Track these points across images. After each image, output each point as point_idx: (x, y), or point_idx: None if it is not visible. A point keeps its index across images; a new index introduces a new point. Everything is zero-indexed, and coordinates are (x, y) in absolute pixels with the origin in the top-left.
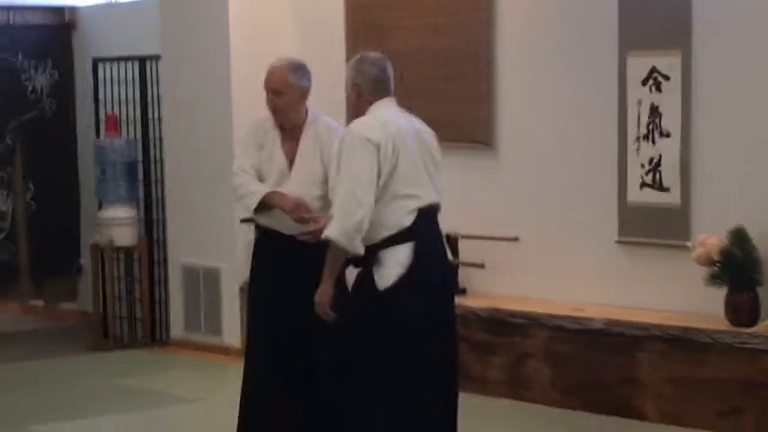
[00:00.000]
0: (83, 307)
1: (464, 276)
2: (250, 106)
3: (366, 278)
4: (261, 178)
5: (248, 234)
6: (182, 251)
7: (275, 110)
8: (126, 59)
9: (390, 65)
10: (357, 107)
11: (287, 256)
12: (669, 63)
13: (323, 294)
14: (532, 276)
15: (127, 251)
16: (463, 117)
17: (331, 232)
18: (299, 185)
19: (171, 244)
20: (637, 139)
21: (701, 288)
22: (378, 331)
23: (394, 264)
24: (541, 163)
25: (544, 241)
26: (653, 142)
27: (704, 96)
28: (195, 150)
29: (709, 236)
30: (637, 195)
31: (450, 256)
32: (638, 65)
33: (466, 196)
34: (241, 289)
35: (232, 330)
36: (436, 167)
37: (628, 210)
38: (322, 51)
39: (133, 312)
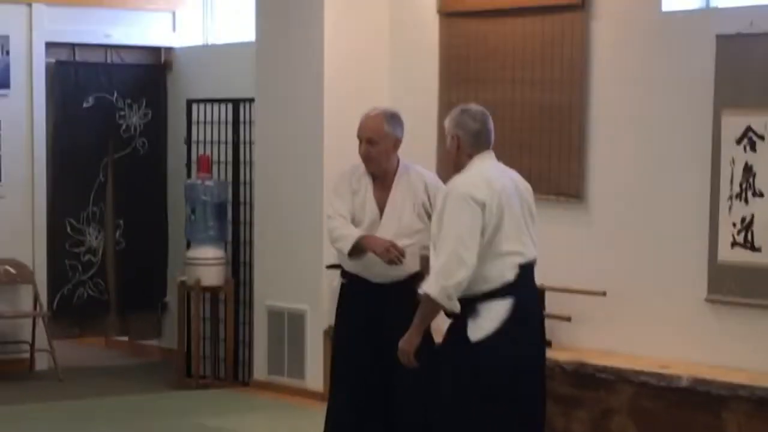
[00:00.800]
0: (167, 344)
1: (550, 328)
2: (341, 152)
3: (459, 328)
4: (354, 224)
5: (334, 279)
6: (268, 293)
7: (368, 159)
8: (220, 101)
9: (490, 119)
10: (456, 159)
11: (373, 303)
12: (765, 122)
13: (409, 342)
14: (618, 331)
15: (213, 291)
16: (555, 170)
17: (430, 288)
18: (390, 234)
19: (257, 286)
20: (730, 197)
21: None
22: (467, 382)
23: (492, 317)
24: (631, 218)
25: (632, 296)
26: (746, 201)
27: None
28: (284, 193)
29: None
30: (727, 254)
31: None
32: (733, 124)
33: (554, 249)
34: (326, 333)
35: (315, 373)
36: (533, 221)
37: (719, 269)
38: (415, 100)
39: (216, 352)
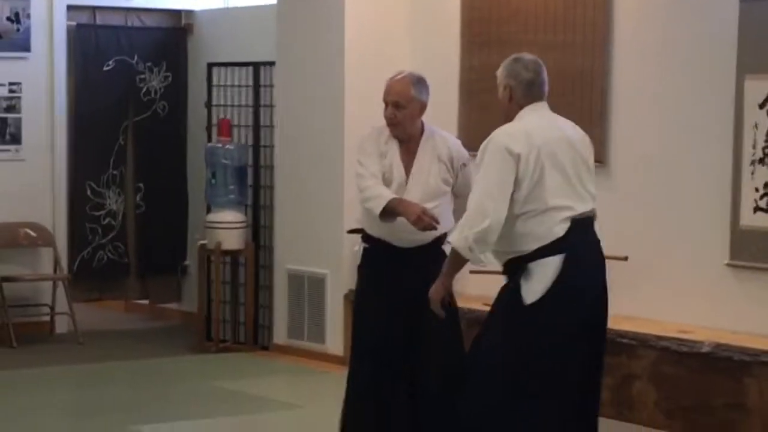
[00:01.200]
0: (187, 308)
1: None
2: (362, 116)
3: (513, 290)
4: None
5: (355, 244)
6: (288, 257)
7: (394, 123)
8: (240, 65)
9: (544, 69)
10: (507, 111)
11: (397, 268)
12: None
13: (436, 291)
14: (640, 296)
15: (234, 255)
16: None
17: (452, 237)
18: (417, 198)
19: (277, 250)
20: (752, 162)
21: None
22: (524, 347)
23: (543, 277)
24: (653, 184)
25: (654, 261)
26: None
27: None
28: (305, 157)
29: None
30: (750, 219)
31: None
32: (756, 88)
33: None
34: (346, 297)
35: (336, 337)
36: (590, 174)
37: (741, 233)
38: (436, 62)
39: (236, 316)
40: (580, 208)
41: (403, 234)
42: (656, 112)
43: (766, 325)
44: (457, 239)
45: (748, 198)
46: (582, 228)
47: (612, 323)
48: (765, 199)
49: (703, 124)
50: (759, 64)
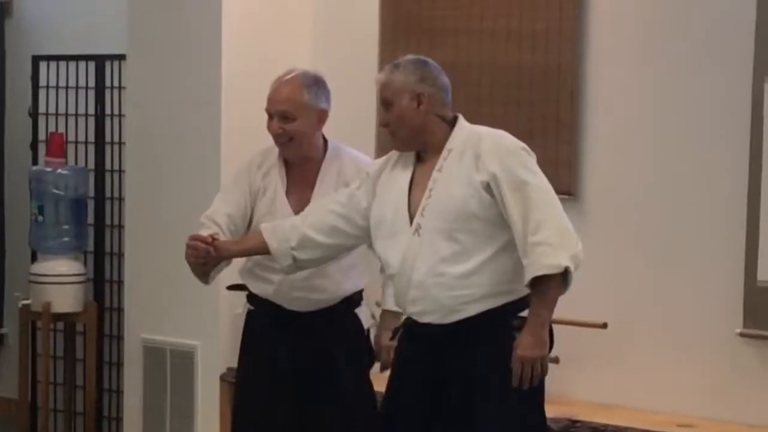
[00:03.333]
0: (5, 393)
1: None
2: (246, 128)
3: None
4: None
5: (236, 305)
6: (144, 324)
7: (282, 141)
8: (78, 58)
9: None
10: (420, 122)
11: (287, 340)
12: None
13: (543, 344)
14: (623, 376)
15: (69, 320)
16: (537, 156)
17: (564, 260)
18: None
19: (129, 314)
20: None
21: None
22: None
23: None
24: (639, 223)
25: (641, 330)
26: None
27: None
28: (168, 185)
29: None
30: None
31: None
32: None
33: None
34: (223, 379)
35: None
36: None
37: (758, 293)
38: (348, 56)
39: (72, 404)
40: None
41: (292, 290)
42: (645, 124)
43: None
44: (571, 261)
45: None
46: None
47: (585, 413)
48: None
49: (708, 143)
50: None
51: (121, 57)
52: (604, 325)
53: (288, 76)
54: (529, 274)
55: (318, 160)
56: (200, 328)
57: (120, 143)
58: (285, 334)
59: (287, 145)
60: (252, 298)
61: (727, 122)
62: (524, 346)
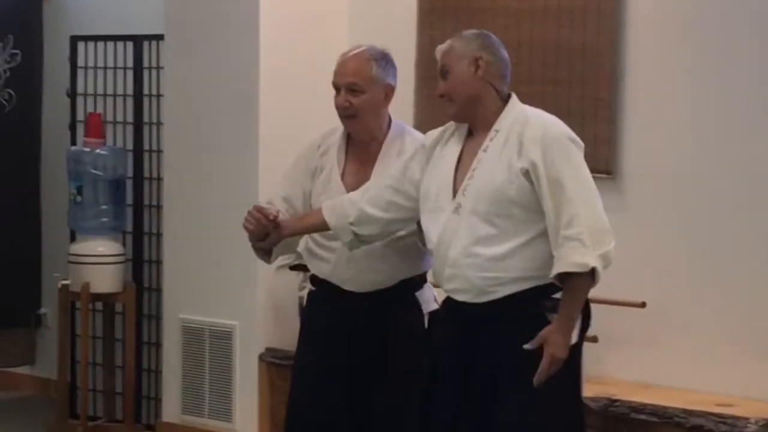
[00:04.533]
0: (44, 373)
1: None
2: (282, 108)
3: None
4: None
5: (275, 285)
6: (183, 303)
7: (350, 115)
8: (116, 38)
9: None
10: (476, 89)
11: (346, 322)
12: None
13: (566, 344)
14: (662, 356)
15: (108, 300)
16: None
17: (591, 259)
18: None
19: (168, 294)
20: None
21: None
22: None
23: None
24: (678, 202)
25: (681, 308)
26: None
27: None
28: (205, 165)
29: None
30: None
31: None
32: None
33: None
34: (262, 358)
35: (248, 414)
36: None
37: None
38: (385, 37)
39: (112, 384)
40: None
41: (347, 269)
42: (686, 102)
43: None
44: (600, 260)
45: None
46: None
47: (623, 392)
48: None
49: (748, 123)
50: None
51: (159, 37)
52: (643, 305)
53: (356, 50)
54: (557, 269)
55: (381, 140)
56: (238, 307)
57: (158, 123)
58: (342, 314)
59: (353, 120)
60: (312, 278)
61: (765, 102)
62: (557, 345)
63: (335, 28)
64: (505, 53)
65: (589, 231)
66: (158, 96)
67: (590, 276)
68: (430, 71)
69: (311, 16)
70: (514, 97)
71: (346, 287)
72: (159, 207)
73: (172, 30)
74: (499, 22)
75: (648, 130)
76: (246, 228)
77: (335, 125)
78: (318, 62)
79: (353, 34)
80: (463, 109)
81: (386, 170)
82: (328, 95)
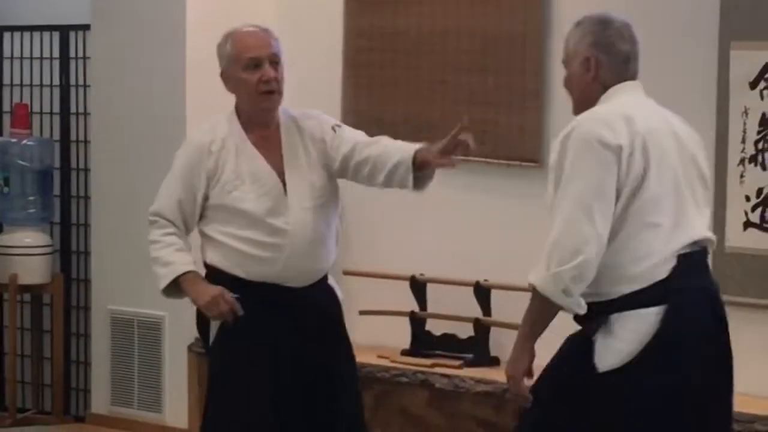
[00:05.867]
0: None
1: (497, 341)
2: (210, 97)
3: (580, 350)
4: (187, 223)
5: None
6: (111, 294)
7: (274, 90)
8: (42, 29)
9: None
10: (584, 91)
11: (284, 318)
12: None
13: (515, 364)
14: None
15: (36, 292)
16: (503, 126)
17: (535, 276)
18: (305, 212)
19: (96, 285)
20: (741, 161)
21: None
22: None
23: (631, 335)
24: None
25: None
26: (763, 166)
27: None
28: (133, 156)
29: None
30: (739, 238)
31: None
32: (746, 61)
33: (505, 232)
34: (191, 348)
35: (177, 404)
36: (704, 186)
37: (727, 258)
38: (311, 24)
39: (40, 376)
40: (692, 231)
41: (302, 264)
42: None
43: (765, 385)
44: (543, 279)
45: (737, 210)
46: (694, 267)
47: None
48: (759, 210)
49: (676, 110)
50: (750, 29)
51: (86, 27)
52: None
53: (255, 27)
54: None
55: (277, 123)
56: (166, 299)
57: (85, 114)
58: (277, 309)
59: (274, 96)
60: (234, 282)
61: (695, 88)
62: (509, 361)
63: (262, 19)
64: (624, 45)
65: (548, 245)
66: (85, 86)
67: (539, 294)
68: (356, 59)
69: (240, 5)
70: (606, 95)
71: (290, 284)
72: (87, 198)
73: (99, 20)
74: (425, 10)
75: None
76: (217, 315)
77: (208, 122)
78: None
79: (281, 25)
80: (578, 108)
81: (296, 156)
82: None
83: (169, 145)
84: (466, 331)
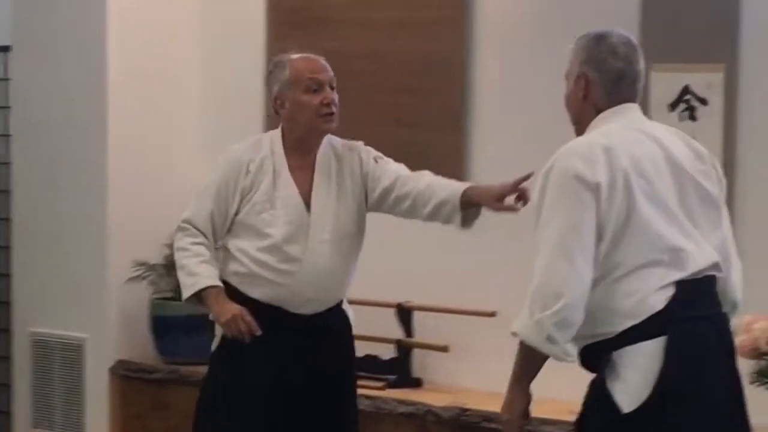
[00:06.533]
0: None
1: (421, 363)
2: (132, 116)
3: (602, 395)
4: (216, 235)
5: (124, 299)
6: (32, 316)
7: (331, 112)
8: None
9: (641, 55)
10: (578, 114)
11: (291, 343)
12: (707, 81)
13: (509, 406)
14: (511, 365)
15: None
16: (426, 144)
17: (518, 324)
18: (323, 240)
19: (16, 306)
20: None
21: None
22: None
23: (638, 373)
24: (528, 211)
25: None
26: None
27: (755, 126)
28: (54, 176)
29: (756, 318)
30: None
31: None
32: (665, 84)
33: (425, 252)
34: (112, 371)
35: (98, 427)
36: (709, 206)
37: None
38: (233, 50)
39: None
40: (692, 261)
41: (307, 288)
42: (531, 113)
43: None
44: (526, 328)
45: None
46: (696, 295)
47: (474, 401)
48: None
49: None
50: (670, 51)
51: (6, 48)
52: (492, 314)
53: (306, 54)
54: None
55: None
56: (88, 320)
57: (6, 135)
58: (290, 339)
59: (333, 118)
60: (247, 304)
61: None
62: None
63: (185, 39)
64: (617, 63)
65: (529, 293)
66: (6, 108)
67: (522, 342)
68: None
69: (161, 27)
70: (595, 120)
71: (300, 311)
72: (8, 220)
73: (20, 41)
74: (351, 33)
75: (498, 139)
76: (235, 334)
77: (252, 138)
78: (167, 73)
79: (204, 45)
80: (576, 130)
81: (327, 186)
82: (176, 105)
83: (90, 166)
84: (388, 352)
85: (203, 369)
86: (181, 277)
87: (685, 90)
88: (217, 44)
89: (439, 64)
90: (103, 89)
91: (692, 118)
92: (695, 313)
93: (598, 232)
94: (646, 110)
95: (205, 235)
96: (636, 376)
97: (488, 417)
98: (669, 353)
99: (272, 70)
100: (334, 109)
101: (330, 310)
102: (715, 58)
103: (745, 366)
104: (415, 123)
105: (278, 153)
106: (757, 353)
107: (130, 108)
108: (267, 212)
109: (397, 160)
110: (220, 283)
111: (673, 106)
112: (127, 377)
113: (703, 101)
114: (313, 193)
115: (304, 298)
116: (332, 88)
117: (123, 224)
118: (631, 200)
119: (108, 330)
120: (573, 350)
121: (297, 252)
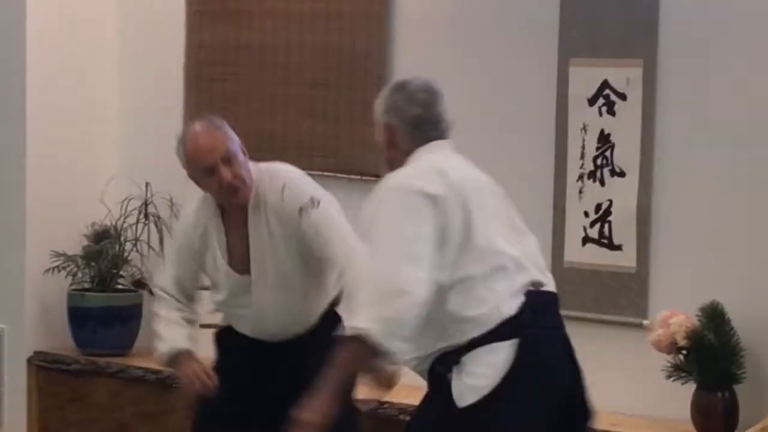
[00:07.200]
0: None
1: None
2: (48, 115)
3: (438, 391)
4: (188, 294)
5: (44, 292)
6: None
7: (237, 187)
8: None
9: (442, 97)
10: (390, 159)
11: (262, 368)
12: (626, 76)
13: (315, 410)
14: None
15: None
16: (344, 139)
17: (359, 321)
18: (274, 297)
19: None
20: (580, 177)
21: (661, 383)
22: None
23: (485, 370)
24: None
25: None
26: (602, 182)
27: (672, 121)
28: None
29: (673, 313)
30: (576, 253)
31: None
32: (585, 79)
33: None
34: (30, 362)
35: (16, 418)
36: (520, 223)
37: (565, 273)
38: (154, 40)
39: None
40: (532, 271)
41: (268, 319)
42: (456, 105)
43: (598, 397)
44: (367, 322)
45: (575, 225)
46: (543, 306)
47: (394, 395)
48: (597, 226)
49: (513, 126)
50: (588, 46)
51: None
52: None
53: (201, 126)
54: None
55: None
56: (6, 311)
57: None
58: (261, 365)
59: (240, 192)
60: (227, 332)
61: (534, 106)
62: (303, 407)
63: (103, 31)
64: (415, 109)
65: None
66: None
67: (356, 339)
68: (197, 74)
69: (78, 18)
70: (412, 156)
71: (273, 340)
72: None
73: None
74: (267, 25)
75: None
76: (192, 392)
77: (196, 201)
78: (86, 65)
79: (122, 36)
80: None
81: (260, 232)
82: (94, 98)
83: (9, 158)
84: None
85: (120, 360)
86: (155, 342)
87: (605, 85)
88: (137, 35)
89: (358, 58)
90: (22, 83)
91: (611, 113)
92: (544, 323)
93: (441, 239)
94: (564, 105)
95: (175, 298)
96: (481, 374)
97: (405, 410)
98: (521, 351)
99: (177, 148)
100: (236, 184)
101: (303, 336)
102: (633, 53)
103: (661, 361)
104: (331, 116)
105: (213, 212)
106: (673, 347)
107: (47, 103)
108: (214, 273)
109: (312, 153)
110: (182, 346)
111: (592, 101)
112: (44, 368)
113: (622, 96)
114: (251, 242)
115: (269, 333)
116: (227, 162)
117: (41, 214)
118: (468, 213)
119: (25, 321)
120: (409, 350)
121: (245, 302)
